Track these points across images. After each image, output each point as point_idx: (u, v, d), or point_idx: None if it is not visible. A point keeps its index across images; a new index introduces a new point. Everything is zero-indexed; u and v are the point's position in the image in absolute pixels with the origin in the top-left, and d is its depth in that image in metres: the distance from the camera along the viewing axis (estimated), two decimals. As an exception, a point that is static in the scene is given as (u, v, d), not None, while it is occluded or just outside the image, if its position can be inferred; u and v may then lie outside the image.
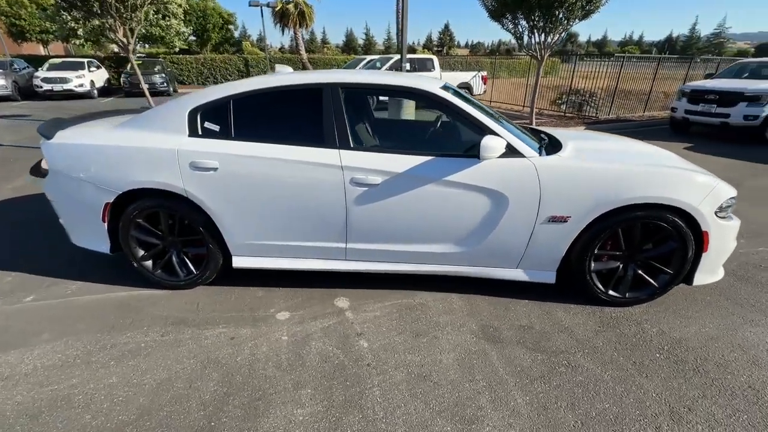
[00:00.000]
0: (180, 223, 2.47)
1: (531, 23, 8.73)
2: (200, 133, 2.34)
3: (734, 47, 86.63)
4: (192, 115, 2.35)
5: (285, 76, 2.43)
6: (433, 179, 2.22)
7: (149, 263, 2.58)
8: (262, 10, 19.66)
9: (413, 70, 12.11)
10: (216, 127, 2.35)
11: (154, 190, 2.34)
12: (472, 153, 2.22)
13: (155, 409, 1.71)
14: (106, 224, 2.46)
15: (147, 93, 7.16)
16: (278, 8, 21.20)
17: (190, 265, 2.57)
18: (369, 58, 14.53)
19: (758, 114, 7.47)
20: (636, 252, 2.34)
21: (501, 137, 2.15)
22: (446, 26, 77.81)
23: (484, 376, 1.90)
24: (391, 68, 11.82)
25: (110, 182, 2.34)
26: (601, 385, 1.85)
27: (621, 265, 2.38)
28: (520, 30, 9.07)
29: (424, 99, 2.39)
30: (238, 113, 2.34)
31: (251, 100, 2.36)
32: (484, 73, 13.59)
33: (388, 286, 2.63)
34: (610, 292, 2.41)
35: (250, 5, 18.97)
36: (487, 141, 2.08)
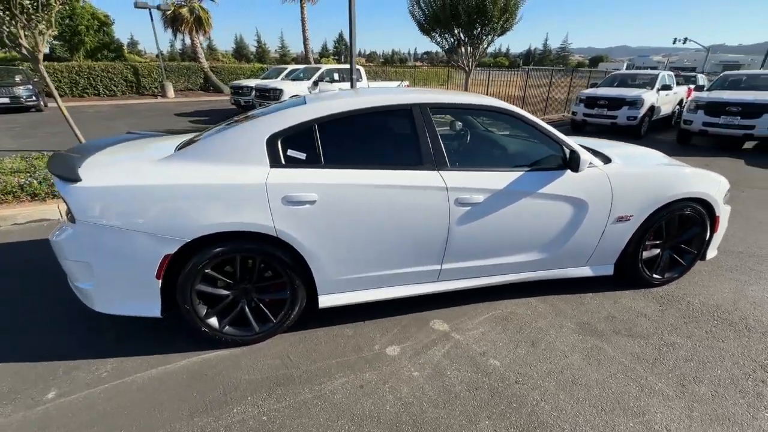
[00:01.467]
0: (257, 267, 2.13)
1: (455, 39, 9.52)
2: (284, 162, 2.06)
3: (574, 59, 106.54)
4: (271, 142, 2.06)
5: (369, 97, 2.29)
6: (528, 193, 2.33)
7: (214, 320, 2.16)
8: (151, 13, 17.40)
9: (341, 80, 12.12)
10: (302, 155, 2.09)
11: (233, 233, 1.98)
12: (550, 165, 2.41)
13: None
14: (160, 281, 1.99)
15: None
16: (170, 12, 19.06)
17: (267, 313, 2.23)
18: (291, 67, 14.09)
19: (636, 115, 9.40)
20: (671, 239, 2.80)
21: (577, 151, 2.37)
22: (341, 36, 79.01)
23: (616, 368, 2.08)
24: (320, 78, 11.61)
25: (174, 229, 1.90)
26: (700, 355, 2.18)
27: (660, 252, 2.82)
28: (448, 43, 9.81)
29: (507, 117, 2.49)
30: (325, 138, 2.13)
31: (338, 123, 2.17)
32: (407, 83, 14.27)
33: (467, 302, 2.65)
34: (654, 275, 2.83)
35: (136, 6, 16.64)
36: (583, 155, 2.28)
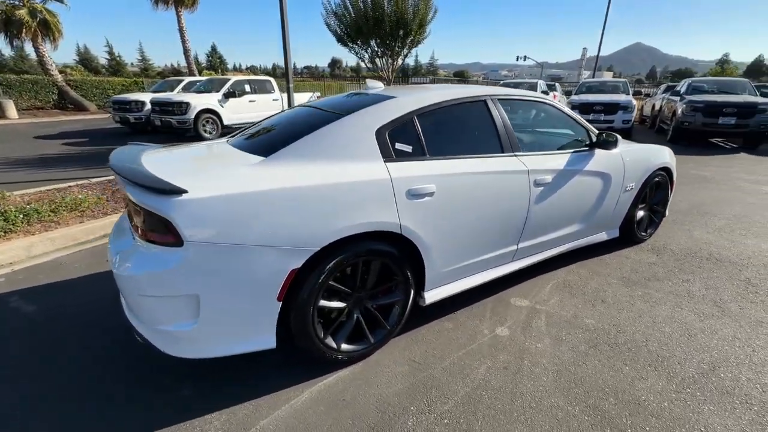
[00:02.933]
0: (376, 270, 1.98)
1: (375, 50, 9.93)
2: (394, 156, 1.96)
3: (441, 73, 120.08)
4: (379, 135, 1.95)
5: (451, 90, 2.34)
6: (578, 170, 2.68)
7: (330, 339, 1.92)
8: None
9: (253, 91, 11.44)
10: (408, 148, 2.03)
11: (358, 235, 1.81)
12: (583, 147, 2.82)
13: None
14: (281, 303, 1.70)
15: None
16: None
17: (381, 320, 2.07)
18: (189, 79, 12.76)
19: (630, 119, 10.36)
20: (649, 202, 3.50)
21: (608, 133, 2.82)
22: (213, 48, 73.58)
23: (671, 305, 2.54)
24: (232, 90, 10.74)
25: (303, 238, 1.66)
26: (709, 282, 2.80)
27: (643, 213, 3.50)
28: (367, 54, 10.14)
29: (548, 107, 2.80)
30: (424, 130, 2.10)
31: (433, 115, 2.16)
32: (318, 94, 14.16)
33: (526, 278, 2.87)
34: (642, 233, 3.50)
35: (-51, 3, 12.86)
36: (616, 138, 2.72)
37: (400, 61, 10.05)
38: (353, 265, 1.89)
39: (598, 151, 2.82)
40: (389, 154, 1.95)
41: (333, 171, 1.78)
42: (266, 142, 2.07)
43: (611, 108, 10.33)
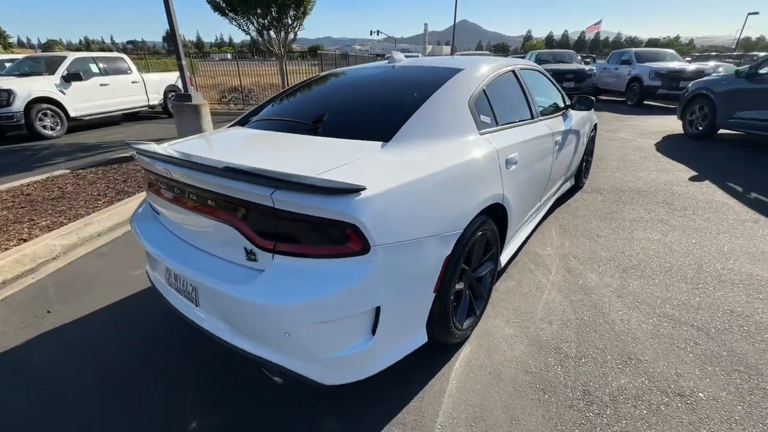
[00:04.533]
0: (480, 244, 1.99)
1: (263, 23, 9.02)
2: (480, 127, 1.97)
3: (297, 48, 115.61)
4: (470, 108, 1.92)
5: (488, 61, 2.38)
6: (570, 130, 3.11)
7: (456, 321, 1.89)
8: None
9: (103, 73, 9.16)
10: (487, 119, 2.05)
11: (482, 211, 1.80)
12: (562, 111, 3.27)
13: None
14: (435, 295, 1.61)
15: None
16: None
17: (481, 292, 2.11)
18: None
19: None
20: (588, 153, 4.28)
21: (585, 96, 3.31)
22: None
23: (651, 226, 3.25)
24: (75, 71, 8.34)
25: (453, 222, 1.59)
26: (652, 210, 3.66)
27: (584, 163, 4.26)
28: (254, 27, 9.13)
29: (540, 76, 3.09)
30: (491, 101, 2.14)
31: (492, 87, 2.21)
32: (189, 74, 12.08)
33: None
34: (584, 179, 4.28)
35: None
36: (593, 100, 3.22)
37: (291, 35, 9.34)
38: (473, 243, 1.87)
39: (573, 112, 3.31)
40: (479, 126, 1.95)
41: (455, 148, 1.71)
42: (358, 125, 1.82)
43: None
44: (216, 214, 1.38)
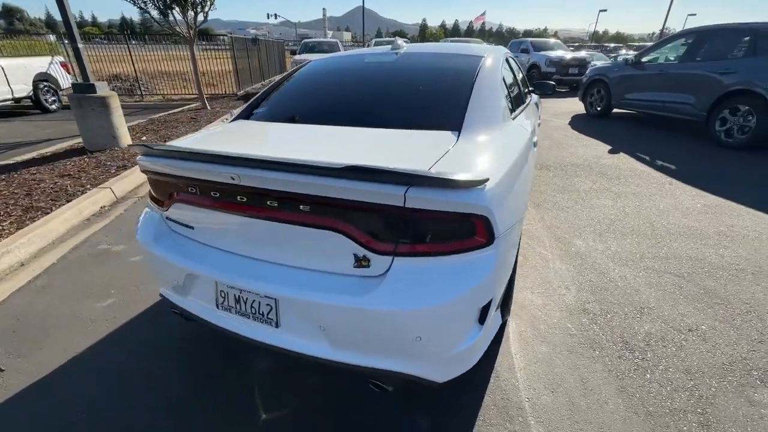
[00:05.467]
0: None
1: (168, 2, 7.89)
2: (510, 113, 2.04)
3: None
4: (504, 95, 1.98)
5: (485, 47, 2.44)
6: (538, 112, 3.38)
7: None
8: None
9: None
10: (509, 104, 2.13)
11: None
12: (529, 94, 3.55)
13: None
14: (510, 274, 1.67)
15: None
16: None
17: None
18: None
19: None
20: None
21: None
22: None
23: (605, 194, 3.73)
24: None
25: (523, 206, 1.65)
26: (597, 182, 4.22)
27: (531, 142, 4.70)
28: (157, 6, 7.91)
29: (514, 64, 3.26)
30: (507, 86, 2.23)
31: (504, 74, 2.28)
32: (62, 59, 9.94)
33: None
34: (533, 157, 4.74)
35: None
36: (554, 84, 3.52)
37: (202, 17, 8.30)
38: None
39: (534, 95, 3.61)
40: (510, 112, 2.02)
41: (511, 134, 1.77)
42: (414, 115, 1.75)
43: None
44: (315, 221, 1.21)
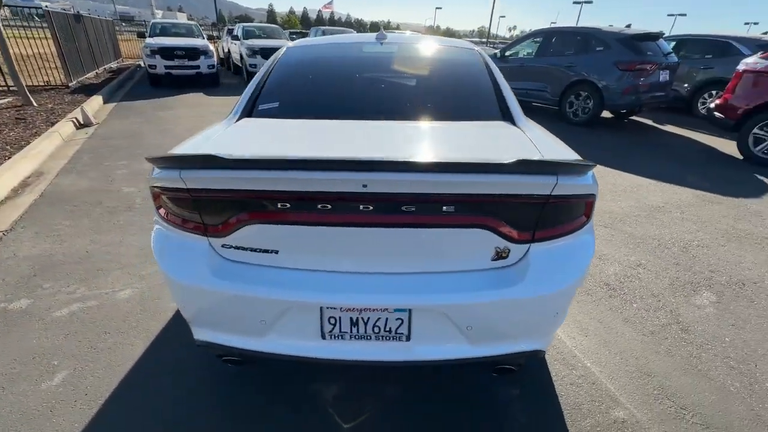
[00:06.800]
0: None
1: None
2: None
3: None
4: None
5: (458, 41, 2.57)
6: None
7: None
8: None
9: None
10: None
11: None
12: None
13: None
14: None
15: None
16: None
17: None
18: None
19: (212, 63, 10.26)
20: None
21: None
22: None
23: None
24: None
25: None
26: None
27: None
28: None
29: None
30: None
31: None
32: None
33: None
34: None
35: None
36: None
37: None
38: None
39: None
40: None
41: (534, 123, 1.95)
42: (460, 107, 1.76)
43: (194, 54, 9.86)
44: (459, 221, 1.17)
